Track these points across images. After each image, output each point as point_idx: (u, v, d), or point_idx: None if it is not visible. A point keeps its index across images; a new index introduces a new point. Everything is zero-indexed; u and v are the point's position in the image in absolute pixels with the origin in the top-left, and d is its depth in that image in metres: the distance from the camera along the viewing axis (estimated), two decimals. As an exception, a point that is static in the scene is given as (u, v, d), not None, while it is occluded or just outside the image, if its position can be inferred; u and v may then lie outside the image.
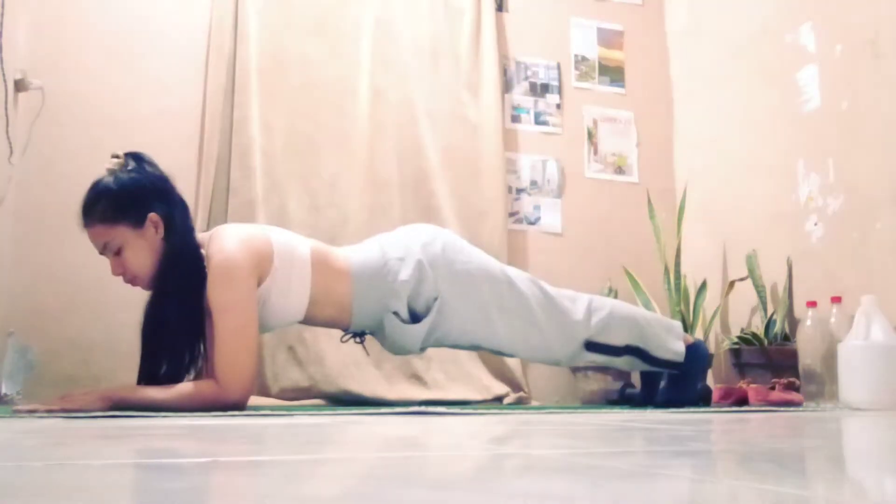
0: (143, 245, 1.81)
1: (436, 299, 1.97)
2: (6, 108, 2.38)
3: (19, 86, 2.52)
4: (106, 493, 0.59)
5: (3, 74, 2.37)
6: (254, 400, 2.18)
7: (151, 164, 1.88)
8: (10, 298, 2.52)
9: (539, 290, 2.08)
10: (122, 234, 1.79)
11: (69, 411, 1.60)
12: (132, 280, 1.84)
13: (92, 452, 0.86)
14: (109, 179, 1.81)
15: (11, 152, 2.47)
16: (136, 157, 1.86)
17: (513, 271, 2.10)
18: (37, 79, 2.58)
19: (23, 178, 2.57)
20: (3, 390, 2.47)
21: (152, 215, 1.81)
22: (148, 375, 1.81)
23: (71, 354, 2.54)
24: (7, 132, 2.40)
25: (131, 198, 1.79)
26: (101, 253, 1.84)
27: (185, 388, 1.74)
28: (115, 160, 1.83)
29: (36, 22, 2.68)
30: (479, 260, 2.06)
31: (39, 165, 2.60)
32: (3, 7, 2.30)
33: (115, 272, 1.84)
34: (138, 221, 1.80)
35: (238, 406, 1.75)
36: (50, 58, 2.68)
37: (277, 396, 2.66)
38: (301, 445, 0.99)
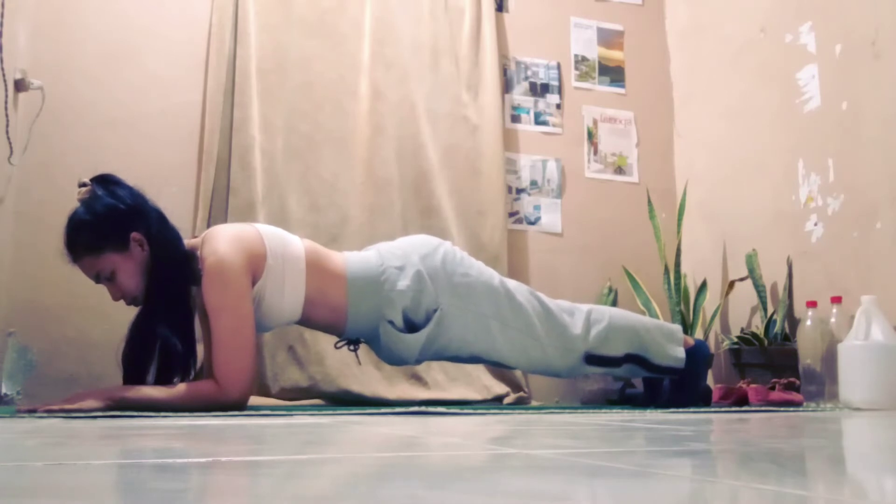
0: (134, 266, 1.82)
1: (435, 311, 1.96)
2: (6, 108, 2.38)
3: (19, 86, 2.52)
4: (106, 494, 0.59)
5: (3, 74, 2.37)
6: (254, 400, 2.18)
7: (119, 183, 1.87)
8: (10, 298, 2.52)
9: (538, 303, 2.08)
10: (111, 260, 1.80)
11: (69, 411, 1.61)
12: (133, 301, 1.86)
13: (92, 452, 0.86)
14: (83, 210, 1.81)
15: (11, 152, 2.47)
16: (103, 181, 1.86)
17: (512, 284, 2.10)
18: (37, 79, 2.58)
19: (23, 178, 2.57)
20: (3, 390, 2.47)
21: (134, 234, 1.82)
22: (133, 381, 1.81)
23: (71, 354, 2.54)
24: (7, 132, 2.40)
25: (109, 223, 1.80)
26: (97, 282, 1.85)
27: (186, 387, 1.74)
28: (84, 189, 1.82)
29: (36, 22, 2.68)
30: (479, 272, 2.05)
31: (39, 165, 2.60)
32: (3, 7, 2.30)
33: (115, 298, 1.85)
34: (123, 244, 1.81)
35: (238, 406, 1.75)
36: (50, 58, 2.67)
37: (277, 396, 2.66)
38: (301, 445, 0.99)
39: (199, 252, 1.85)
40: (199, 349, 1.99)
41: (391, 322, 1.95)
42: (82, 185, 1.83)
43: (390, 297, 1.94)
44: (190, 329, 1.86)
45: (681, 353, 2.15)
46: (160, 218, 1.88)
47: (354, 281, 1.95)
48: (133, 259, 1.81)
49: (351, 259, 1.99)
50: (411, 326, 1.97)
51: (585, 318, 2.10)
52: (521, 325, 2.04)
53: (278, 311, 1.91)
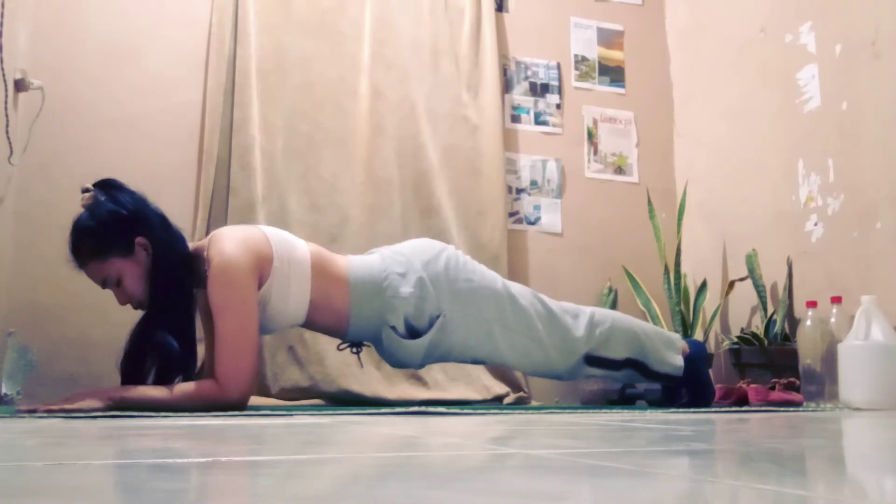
0: (140, 270, 1.82)
1: (438, 317, 1.97)
2: (6, 108, 2.38)
3: (19, 86, 2.51)
4: (106, 494, 0.59)
5: (3, 74, 2.37)
6: (254, 400, 2.18)
7: (121, 188, 1.87)
8: (10, 298, 2.52)
9: (541, 306, 2.09)
10: (117, 265, 1.80)
11: (69, 411, 1.61)
12: (140, 305, 1.86)
13: (92, 452, 0.86)
14: (86, 216, 1.81)
15: (11, 152, 2.47)
16: (106, 186, 1.86)
17: (515, 287, 2.10)
18: (37, 79, 2.58)
19: (23, 178, 2.57)
20: (3, 390, 2.47)
21: (139, 239, 1.82)
22: (133, 383, 1.81)
23: (71, 354, 2.54)
24: (7, 132, 2.40)
25: (113, 229, 1.80)
26: (104, 287, 1.85)
27: (186, 387, 1.74)
28: (87, 195, 1.82)
29: (36, 22, 2.68)
30: (482, 277, 2.05)
31: (39, 165, 2.60)
32: (3, 7, 2.30)
33: (122, 302, 1.85)
34: (128, 249, 1.81)
35: (238, 406, 1.75)
36: (50, 58, 2.67)
37: (277, 396, 2.65)
38: (301, 445, 0.99)
39: (205, 253, 1.85)
40: (200, 349, 1.99)
41: (393, 328, 1.95)
42: (85, 190, 1.84)
43: (392, 304, 1.94)
44: (191, 332, 1.86)
45: (679, 360, 2.16)
46: (163, 221, 1.88)
47: (357, 286, 1.95)
48: (139, 263, 1.82)
49: (354, 263, 1.99)
50: (413, 332, 1.98)
51: (589, 319, 2.11)
52: (524, 329, 2.04)
53: (283, 314, 1.91)
